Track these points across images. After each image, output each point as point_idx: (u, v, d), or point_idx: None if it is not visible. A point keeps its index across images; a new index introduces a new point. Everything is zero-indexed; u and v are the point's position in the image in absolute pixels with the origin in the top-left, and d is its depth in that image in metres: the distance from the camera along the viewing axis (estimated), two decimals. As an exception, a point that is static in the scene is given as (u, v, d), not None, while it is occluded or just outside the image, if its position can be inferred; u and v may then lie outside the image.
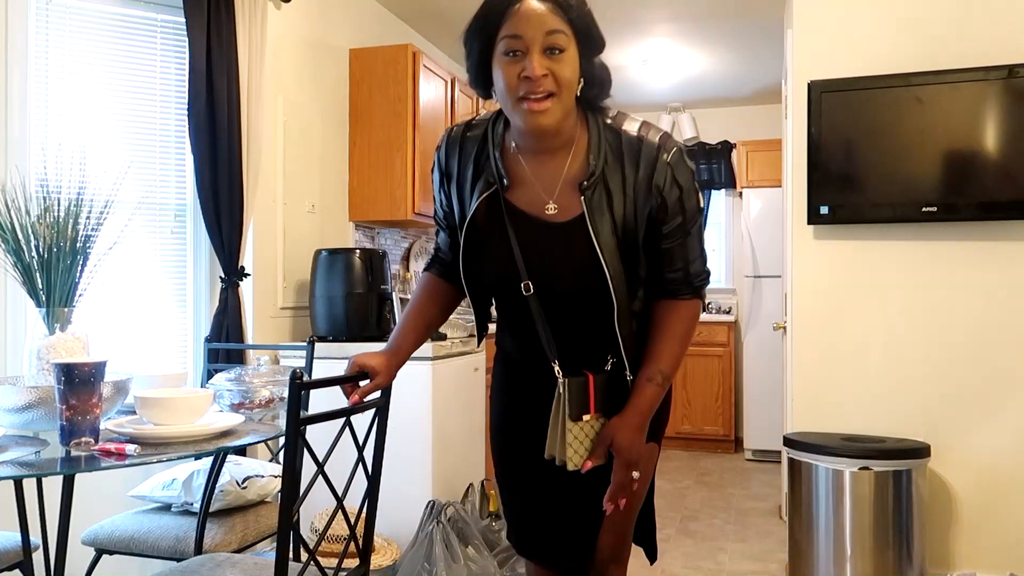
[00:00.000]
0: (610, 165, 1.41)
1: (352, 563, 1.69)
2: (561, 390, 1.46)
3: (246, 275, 2.98)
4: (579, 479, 1.51)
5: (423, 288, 1.65)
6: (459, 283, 1.59)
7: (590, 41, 1.38)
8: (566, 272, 1.44)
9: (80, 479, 2.21)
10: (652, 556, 1.68)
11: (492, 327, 1.71)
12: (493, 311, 1.65)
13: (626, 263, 1.43)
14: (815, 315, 3.22)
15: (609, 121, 1.44)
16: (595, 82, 1.42)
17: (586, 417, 1.46)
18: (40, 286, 1.72)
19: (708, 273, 1.53)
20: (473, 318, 1.64)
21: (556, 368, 1.48)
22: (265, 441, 1.78)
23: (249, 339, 3.05)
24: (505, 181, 1.45)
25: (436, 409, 3.14)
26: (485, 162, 1.48)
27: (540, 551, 1.64)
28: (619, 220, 1.41)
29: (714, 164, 6.12)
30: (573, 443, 1.45)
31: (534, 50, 1.32)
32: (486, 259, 1.50)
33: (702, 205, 1.49)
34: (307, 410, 2.24)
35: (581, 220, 1.41)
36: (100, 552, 2.17)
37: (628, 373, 1.48)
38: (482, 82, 1.42)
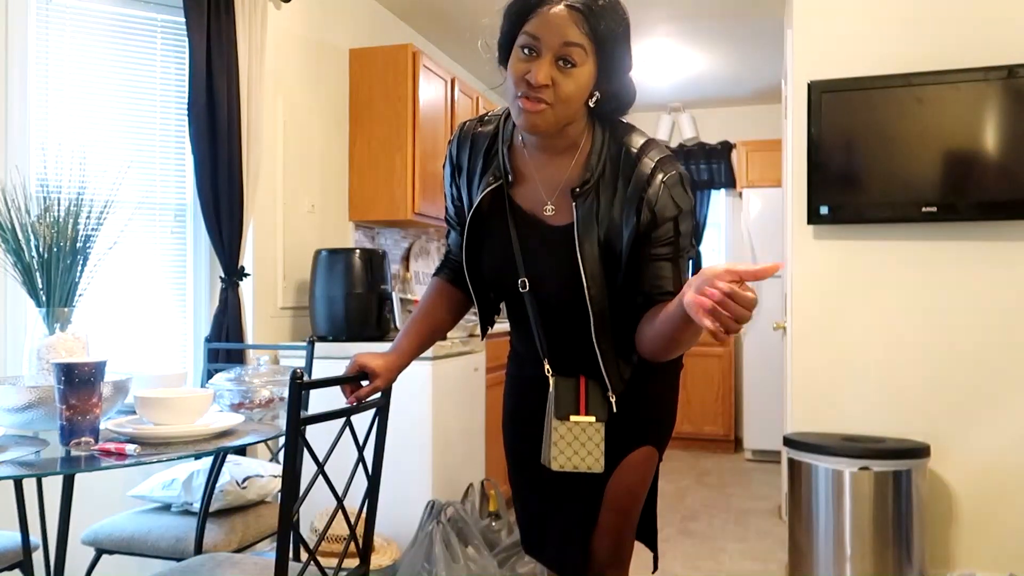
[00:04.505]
0: (606, 177, 1.40)
1: (352, 563, 1.69)
2: (551, 389, 1.46)
3: (246, 275, 2.98)
4: (581, 481, 1.51)
5: (431, 292, 1.65)
6: (468, 288, 1.59)
7: (611, 60, 1.35)
8: (554, 276, 1.44)
9: (80, 479, 2.21)
10: (655, 564, 1.68)
11: (498, 325, 1.71)
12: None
13: (608, 277, 1.41)
14: (815, 315, 3.22)
15: (617, 134, 1.43)
16: (611, 99, 1.40)
17: (574, 418, 1.45)
18: (40, 286, 1.72)
19: None
20: (473, 318, 1.64)
21: (546, 367, 1.49)
22: (265, 441, 1.78)
23: (249, 339, 3.05)
24: (510, 177, 1.46)
25: (436, 409, 3.14)
26: (494, 157, 1.49)
27: (545, 553, 1.64)
28: (604, 233, 1.39)
29: (714, 164, 6.12)
30: (559, 443, 1.44)
31: (545, 56, 1.30)
32: (487, 253, 1.51)
33: (694, 239, 1.45)
34: (307, 410, 2.24)
35: (572, 227, 1.40)
36: (100, 552, 2.17)
37: (610, 393, 1.46)
38: (505, 60, 1.41)
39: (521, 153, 1.47)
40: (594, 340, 1.42)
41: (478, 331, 1.66)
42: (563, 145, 1.42)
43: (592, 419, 1.45)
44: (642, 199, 1.36)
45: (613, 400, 1.46)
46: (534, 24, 1.31)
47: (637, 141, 1.41)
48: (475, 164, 1.51)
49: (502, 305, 1.62)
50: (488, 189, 1.47)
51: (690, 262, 1.43)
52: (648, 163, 1.38)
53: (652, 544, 1.67)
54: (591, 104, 1.38)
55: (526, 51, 1.32)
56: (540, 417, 1.52)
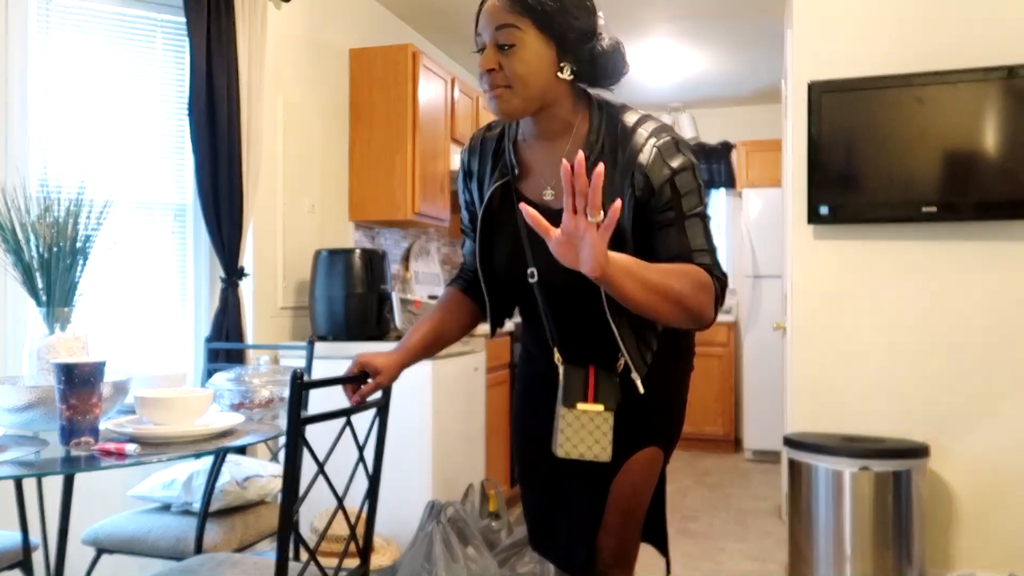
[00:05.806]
0: (606, 153, 1.42)
1: (352, 563, 1.69)
2: (560, 376, 1.47)
3: (246, 275, 2.98)
4: (588, 480, 1.51)
5: (443, 300, 1.66)
6: (481, 300, 1.61)
7: (558, 29, 1.37)
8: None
9: (80, 479, 2.21)
10: (667, 568, 1.68)
11: (508, 324, 1.72)
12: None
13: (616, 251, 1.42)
14: (815, 315, 3.22)
15: (613, 112, 1.46)
16: (588, 67, 1.42)
17: (582, 406, 1.45)
18: (40, 286, 1.72)
19: (720, 269, 1.39)
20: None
21: (556, 355, 1.49)
22: (265, 441, 1.78)
23: (249, 339, 3.05)
24: (517, 171, 1.50)
25: (436, 409, 3.14)
26: (501, 156, 1.53)
27: (552, 551, 1.65)
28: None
29: (714, 164, 6.12)
30: (566, 430, 1.44)
31: (489, 45, 1.39)
32: (498, 247, 1.54)
33: (704, 200, 1.41)
34: (307, 410, 2.24)
35: None
36: (100, 552, 2.17)
37: (634, 373, 1.44)
38: None
39: (525, 147, 1.52)
40: (608, 316, 1.41)
41: (479, 331, 1.67)
42: (557, 128, 1.46)
43: (600, 408, 1.45)
44: (636, 165, 1.39)
45: (639, 380, 1.44)
46: (479, 22, 1.41)
47: (632, 117, 1.44)
48: (485, 166, 1.55)
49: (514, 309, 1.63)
50: (497, 184, 1.51)
51: (705, 220, 1.40)
52: (643, 132, 1.41)
53: (662, 547, 1.67)
54: (565, 75, 1.40)
55: (478, 49, 1.42)
56: (548, 415, 1.53)
